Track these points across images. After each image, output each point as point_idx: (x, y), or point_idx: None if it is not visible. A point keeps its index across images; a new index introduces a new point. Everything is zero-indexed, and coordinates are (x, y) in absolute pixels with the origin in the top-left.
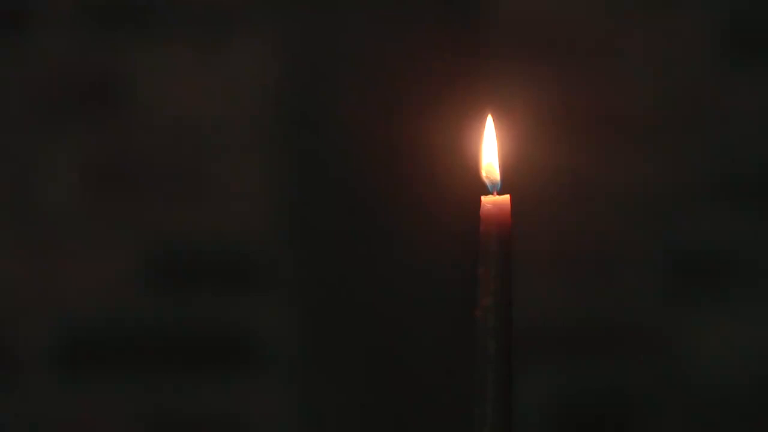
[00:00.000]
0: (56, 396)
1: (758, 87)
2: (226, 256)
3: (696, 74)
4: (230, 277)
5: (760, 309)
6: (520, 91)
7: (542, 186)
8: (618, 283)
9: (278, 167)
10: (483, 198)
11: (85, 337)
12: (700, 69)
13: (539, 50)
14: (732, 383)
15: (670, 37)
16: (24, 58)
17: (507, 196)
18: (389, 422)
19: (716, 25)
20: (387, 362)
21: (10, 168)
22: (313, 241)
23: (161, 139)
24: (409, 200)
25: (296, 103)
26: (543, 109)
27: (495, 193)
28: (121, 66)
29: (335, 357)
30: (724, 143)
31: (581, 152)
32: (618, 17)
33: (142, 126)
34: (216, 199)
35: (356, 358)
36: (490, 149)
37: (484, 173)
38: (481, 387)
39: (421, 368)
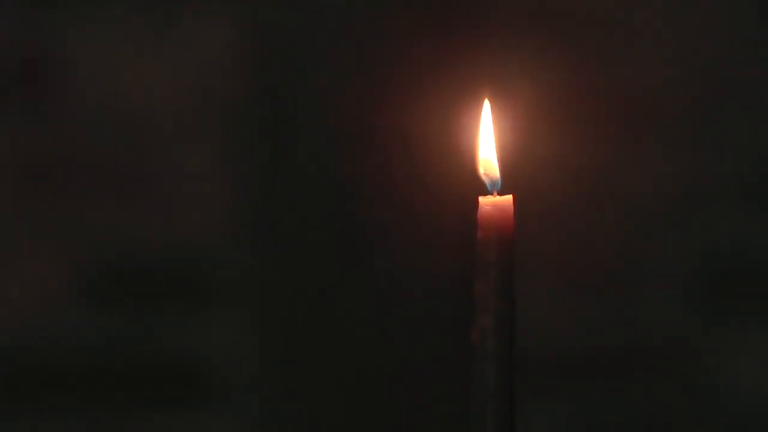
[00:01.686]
0: None
1: None
2: (178, 269)
3: (725, 54)
4: (183, 294)
5: None
6: (522, 74)
7: (549, 185)
8: (637, 298)
9: (241, 164)
10: (480, 199)
11: (7, 364)
12: (729, 48)
13: (544, 26)
14: None
15: (694, 9)
16: None
17: (509, 197)
18: None
19: None
20: (369, 396)
21: None
22: (281, 252)
23: (103, 131)
24: (395, 202)
25: (264, 89)
26: (549, 94)
27: (494, 193)
28: (54, 46)
29: (305, 391)
30: (757, 135)
31: (594, 146)
32: None
33: (81, 116)
34: (167, 201)
35: (330, 392)
36: (488, 141)
37: (481, 170)
38: (480, 421)
39: (409, 403)
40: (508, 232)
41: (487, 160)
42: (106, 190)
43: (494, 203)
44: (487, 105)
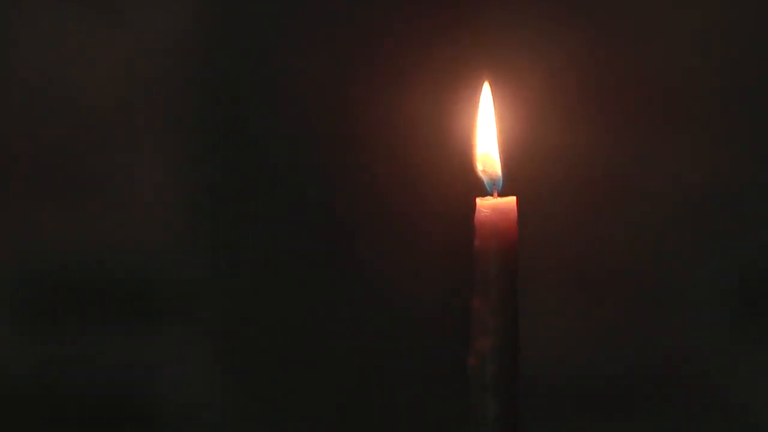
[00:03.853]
0: None
1: None
2: (122, 282)
3: (765, 35)
4: (127, 312)
5: None
6: (528, 55)
7: (558, 184)
8: (661, 317)
9: (198, 160)
10: (478, 201)
11: None
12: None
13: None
14: None
15: None
16: None
17: (511, 199)
18: None
19: None
20: (343, 430)
21: None
22: (243, 265)
23: (36, 122)
24: (377, 206)
25: (223, 73)
26: (559, 79)
27: (494, 193)
28: None
29: (269, 423)
30: None
31: (612, 139)
32: None
33: (10, 105)
34: (110, 203)
35: (300, 425)
36: (487, 132)
37: (479, 166)
38: None
39: None
40: (511, 240)
41: (487, 154)
42: (39, 191)
43: (494, 206)
44: (487, 89)
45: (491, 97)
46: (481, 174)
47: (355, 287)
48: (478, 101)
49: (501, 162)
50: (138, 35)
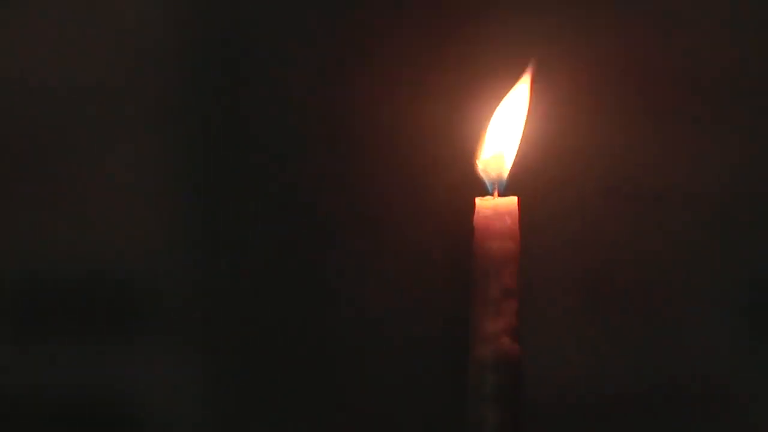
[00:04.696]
0: None
1: None
2: (96, 289)
3: None
4: (102, 322)
5: None
6: (546, 52)
7: (565, 184)
8: (675, 328)
9: (179, 157)
10: (478, 201)
11: None
12: None
13: None
14: None
15: None
16: None
17: (513, 199)
18: None
19: None
20: None
21: None
22: (232, 271)
23: (8, 117)
24: (368, 206)
25: (208, 61)
26: (575, 75)
27: (496, 192)
28: None
29: None
30: None
31: (624, 136)
32: None
33: None
34: (83, 203)
35: None
36: (509, 132)
37: (481, 165)
38: None
39: None
40: (512, 244)
41: (499, 156)
42: (13, 191)
43: (495, 207)
44: (525, 82)
45: (529, 92)
46: (482, 173)
47: (348, 292)
48: (504, 96)
49: (512, 164)
50: (121, 27)
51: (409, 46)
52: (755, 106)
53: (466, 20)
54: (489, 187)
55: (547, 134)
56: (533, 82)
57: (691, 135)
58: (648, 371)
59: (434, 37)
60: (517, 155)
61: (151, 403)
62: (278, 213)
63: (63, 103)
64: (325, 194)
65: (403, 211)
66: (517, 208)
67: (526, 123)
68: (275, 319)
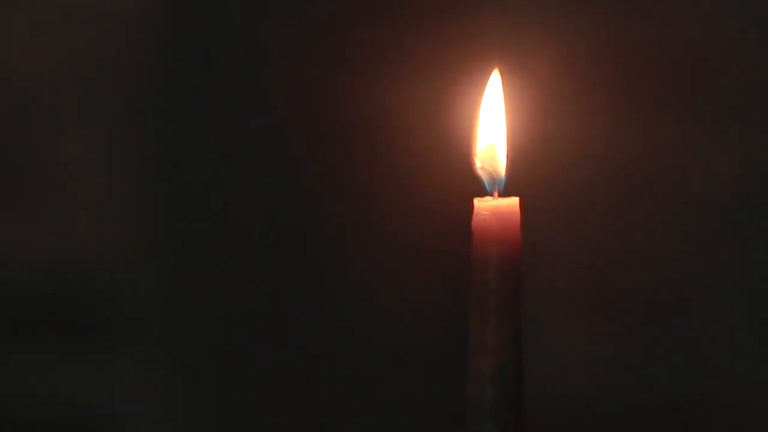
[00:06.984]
0: None
1: None
2: (66, 297)
3: None
4: (73, 331)
5: None
6: (540, 41)
7: (569, 184)
8: (685, 338)
9: (153, 156)
10: (476, 201)
11: None
12: None
13: None
14: None
15: None
16: None
17: (514, 199)
18: None
19: None
20: None
21: None
22: (207, 276)
23: None
24: (359, 207)
25: (182, 54)
26: (575, 66)
27: (496, 193)
28: None
29: None
30: None
31: (631, 133)
32: None
33: None
34: (50, 206)
35: None
36: (494, 126)
37: (478, 162)
38: None
39: None
40: (513, 248)
41: (491, 148)
42: None
43: (494, 208)
44: (496, 77)
45: (501, 86)
46: (479, 171)
47: (336, 298)
48: (483, 91)
49: (507, 158)
50: (97, 24)
51: (400, 43)
52: (762, 102)
53: (465, 12)
54: (488, 186)
55: (547, 134)
56: (502, 74)
57: (705, 139)
58: (652, 383)
59: (427, 33)
60: (510, 149)
61: (122, 413)
62: (259, 216)
63: (33, 112)
64: (310, 199)
65: (403, 211)
66: (518, 209)
67: (510, 115)
68: (252, 326)
